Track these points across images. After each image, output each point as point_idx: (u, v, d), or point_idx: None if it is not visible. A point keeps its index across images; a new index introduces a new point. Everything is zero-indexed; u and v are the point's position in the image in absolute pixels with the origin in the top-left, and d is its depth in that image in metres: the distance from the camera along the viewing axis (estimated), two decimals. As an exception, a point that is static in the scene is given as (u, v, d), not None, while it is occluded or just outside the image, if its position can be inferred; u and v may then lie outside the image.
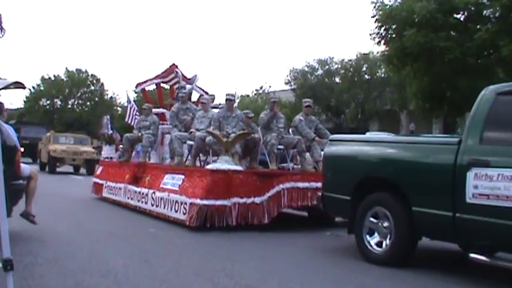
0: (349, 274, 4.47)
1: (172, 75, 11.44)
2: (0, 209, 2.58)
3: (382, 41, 18.94)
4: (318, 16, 77.33)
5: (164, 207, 7.33)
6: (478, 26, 16.24)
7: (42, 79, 48.10)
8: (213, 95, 10.87)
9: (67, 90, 48.37)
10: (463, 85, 16.27)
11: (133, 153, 10.47)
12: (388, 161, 5.03)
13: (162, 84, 12.56)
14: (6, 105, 6.44)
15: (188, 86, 10.76)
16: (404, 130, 30.43)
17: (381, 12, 18.03)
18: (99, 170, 11.13)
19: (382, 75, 32.32)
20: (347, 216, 5.48)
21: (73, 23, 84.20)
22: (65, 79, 48.49)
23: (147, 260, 4.73)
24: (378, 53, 29.86)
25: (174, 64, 11.77)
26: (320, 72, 35.64)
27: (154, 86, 13.01)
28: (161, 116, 10.77)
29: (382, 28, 18.40)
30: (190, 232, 6.55)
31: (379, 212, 4.93)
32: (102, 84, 49.81)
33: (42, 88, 47.84)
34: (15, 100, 73.08)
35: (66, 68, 49.04)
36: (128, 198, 8.76)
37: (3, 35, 2.98)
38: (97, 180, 10.65)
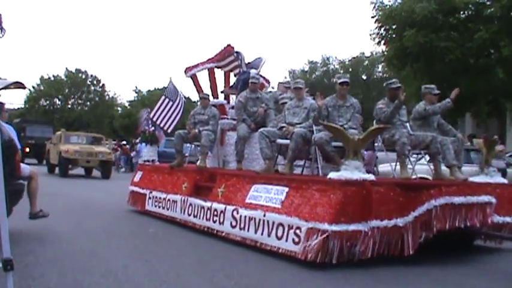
0: (349, 275, 4.46)
1: (231, 58, 9.40)
2: (0, 209, 2.58)
3: (382, 41, 18.96)
4: (317, 16, 77.33)
5: (256, 231, 5.38)
6: (478, 26, 16.23)
7: (42, 79, 48.14)
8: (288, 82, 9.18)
9: (67, 90, 48.39)
10: (464, 85, 16.28)
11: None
12: None
13: (215, 70, 10.00)
14: (6, 105, 6.45)
15: (253, 71, 8.84)
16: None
17: (380, 13, 18.04)
18: (138, 176, 8.98)
19: (381, 74, 32.40)
20: None
21: (73, 23, 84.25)
22: (65, 79, 48.52)
23: (147, 260, 4.73)
24: (375, 53, 29.90)
25: (229, 45, 9.64)
26: (319, 72, 35.73)
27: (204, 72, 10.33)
28: (220, 108, 8.88)
29: (382, 28, 18.42)
30: (190, 232, 6.55)
31: None
32: (103, 85, 49.83)
33: (42, 88, 47.86)
34: (15, 100, 73.09)
35: (66, 68, 49.12)
36: (189, 214, 6.76)
37: (3, 35, 2.98)
38: (136, 189, 8.65)
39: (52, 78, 48.41)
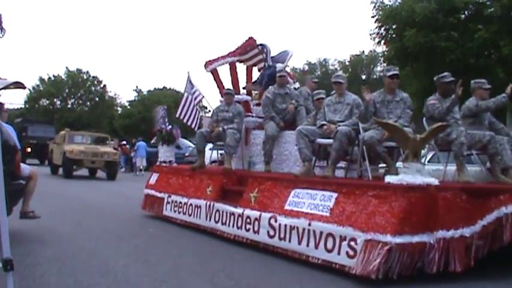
0: (346, 277, 4.46)
1: (255, 52, 8.71)
2: (1, 209, 2.58)
3: (383, 41, 18.96)
4: (318, 16, 77.34)
5: (299, 242, 4.79)
6: (479, 26, 16.23)
7: (41, 79, 48.16)
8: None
9: (67, 90, 48.42)
10: (464, 85, 16.26)
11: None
12: None
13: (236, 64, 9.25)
14: (6, 105, 6.45)
15: (279, 65, 8.23)
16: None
17: (381, 13, 18.04)
18: (153, 178, 8.35)
19: (381, 74, 32.51)
20: None
21: (73, 23, 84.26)
22: (65, 79, 48.55)
23: (147, 260, 4.73)
24: (373, 52, 29.96)
25: (251, 38, 8.93)
26: (318, 73, 35.83)
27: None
28: (244, 105, 8.12)
29: (382, 28, 18.41)
30: (190, 232, 6.55)
31: None
32: (104, 86, 49.84)
33: (41, 88, 47.89)
34: (15, 100, 73.10)
35: (67, 68, 49.13)
36: (217, 222, 6.14)
37: (3, 35, 2.98)
38: (152, 192, 8.02)
39: (52, 78, 48.44)
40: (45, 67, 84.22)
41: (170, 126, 8.94)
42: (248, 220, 5.55)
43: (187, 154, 22.80)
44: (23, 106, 47.62)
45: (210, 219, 6.29)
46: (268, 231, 5.22)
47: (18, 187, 5.33)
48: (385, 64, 22.28)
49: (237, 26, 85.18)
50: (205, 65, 8.96)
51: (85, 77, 49.37)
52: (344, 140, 5.58)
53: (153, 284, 3.90)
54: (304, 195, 5.06)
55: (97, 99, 49.50)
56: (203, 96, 9.07)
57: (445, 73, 6.03)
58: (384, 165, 5.96)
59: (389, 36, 18.52)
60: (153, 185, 8.15)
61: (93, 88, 49.63)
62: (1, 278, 2.62)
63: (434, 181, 4.39)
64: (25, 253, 4.70)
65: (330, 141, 5.75)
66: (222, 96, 8.24)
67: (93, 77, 49.49)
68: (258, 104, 8.16)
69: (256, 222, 5.41)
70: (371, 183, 4.94)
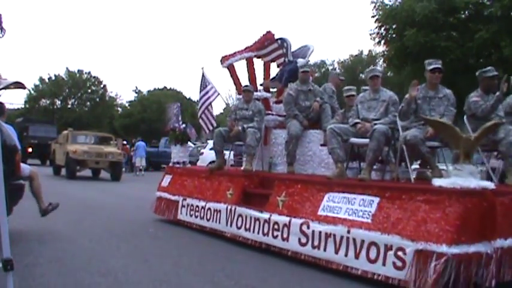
0: (346, 277, 4.46)
1: (274, 46, 8.14)
2: (0, 209, 2.58)
3: (383, 41, 18.97)
4: (317, 16, 77.36)
5: (337, 251, 4.41)
6: (479, 26, 16.24)
7: (41, 79, 48.18)
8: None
9: (67, 90, 48.46)
10: (464, 85, 16.28)
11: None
12: None
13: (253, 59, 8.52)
14: (6, 105, 6.45)
15: (300, 61, 7.76)
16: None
17: (381, 12, 18.06)
18: (166, 180, 7.90)
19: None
20: None
21: (74, 23, 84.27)
22: (65, 78, 48.58)
23: (147, 260, 4.73)
24: (373, 51, 29.98)
25: (269, 32, 8.45)
26: (318, 74, 35.85)
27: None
28: (263, 103, 7.64)
29: (383, 28, 18.43)
30: (190, 232, 6.55)
31: None
32: (105, 86, 49.87)
33: (41, 88, 47.92)
34: (15, 100, 73.13)
35: (67, 68, 49.16)
36: (239, 227, 5.73)
37: (3, 35, 2.98)
38: (165, 195, 7.57)
39: (53, 78, 48.47)
40: (46, 67, 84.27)
41: (184, 125, 8.42)
42: (276, 226, 5.14)
43: (187, 154, 22.80)
44: (23, 106, 47.66)
45: (231, 225, 5.87)
46: (299, 239, 4.81)
47: (18, 187, 5.33)
48: (385, 64, 22.30)
49: (236, 26, 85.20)
50: (221, 61, 8.48)
51: (85, 77, 49.39)
52: (382, 140, 5.14)
53: (153, 284, 3.90)
54: (340, 200, 4.66)
55: (97, 99, 49.51)
56: (218, 94, 8.47)
57: (488, 67, 5.64)
58: (415, 166, 5.65)
59: (389, 36, 18.54)
60: (166, 188, 7.66)
61: (93, 88, 49.65)
62: (1, 278, 2.62)
63: (490, 185, 4.00)
64: (25, 253, 4.70)
65: (365, 140, 5.31)
66: (238, 93, 7.94)
67: (94, 77, 49.52)
68: (278, 102, 7.84)
69: (286, 229, 5.00)
70: (419, 187, 4.38)
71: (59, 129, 26.05)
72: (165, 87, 48.38)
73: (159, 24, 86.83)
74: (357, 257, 4.23)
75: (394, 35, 18.26)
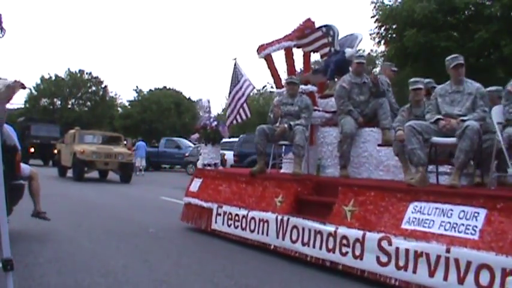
0: (346, 277, 4.46)
1: (317, 35, 7.21)
2: (0, 209, 2.58)
3: (382, 41, 18.97)
4: (318, 16, 77.27)
5: (432, 274, 3.71)
6: (479, 26, 16.24)
7: (42, 79, 48.18)
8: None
9: (67, 90, 48.44)
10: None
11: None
12: None
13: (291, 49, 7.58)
14: (7, 105, 6.44)
15: (349, 50, 6.89)
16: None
17: (380, 12, 18.06)
18: (195, 184, 7.05)
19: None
20: None
21: (74, 23, 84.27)
22: (66, 78, 48.56)
23: (147, 260, 4.73)
24: (374, 52, 30.00)
25: (309, 19, 7.63)
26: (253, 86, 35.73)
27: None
28: (309, 97, 6.74)
29: (382, 28, 18.43)
30: (190, 232, 6.55)
31: None
32: (105, 86, 49.85)
33: (42, 87, 47.90)
34: (15, 100, 73.11)
35: (69, 69, 49.14)
36: (294, 241, 4.96)
37: (3, 35, 2.98)
38: (195, 201, 6.76)
39: (53, 78, 48.44)
40: (47, 67, 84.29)
41: (216, 122, 7.51)
42: (345, 241, 4.40)
43: (187, 154, 22.81)
44: (23, 106, 47.62)
45: (283, 238, 5.09)
46: (378, 257, 4.09)
47: (18, 187, 5.34)
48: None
49: (236, 26, 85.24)
50: (257, 50, 7.68)
51: (86, 78, 49.35)
52: (475, 139, 4.39)
53: (153, 284, 3.91)
54: (431, 211, 3.95)
55: (97, 99, 49.47)
56: (254, 87, 7.80)
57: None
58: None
59: (389, 36, 18.54)
60: (196, 193, 6.84)
61: (94, 88, 49.62)
62: (1, 278, 2.62)
63: None
64: (25, 253, 4.70)
65: (451, 140, 4.57)
66: (276, 86, 7.43)
67: (95, 77, 49.51)
68: (323, 97, 7.10)
69: (358, 245, 4.26)
70: None
71: (61, 129, 25.79)
72: (164, 87, 48.37)
73: (159, 23, 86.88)
74: (461, 281, 3.51)
75: (394, 35, 18.26)
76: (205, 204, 6.51)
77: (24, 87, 4.10)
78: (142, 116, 44.00)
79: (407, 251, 3.87)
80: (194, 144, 20.74)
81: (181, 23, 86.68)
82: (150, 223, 7.21)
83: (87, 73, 49.20)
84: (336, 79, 6.86)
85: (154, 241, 5.88)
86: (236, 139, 17.56)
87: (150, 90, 48.31)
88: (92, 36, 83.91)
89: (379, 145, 5.88)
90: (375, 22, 18.45)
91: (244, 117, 7.70)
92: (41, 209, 5.81)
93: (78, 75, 48.72)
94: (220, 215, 6.16)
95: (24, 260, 4.41)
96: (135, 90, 49.03)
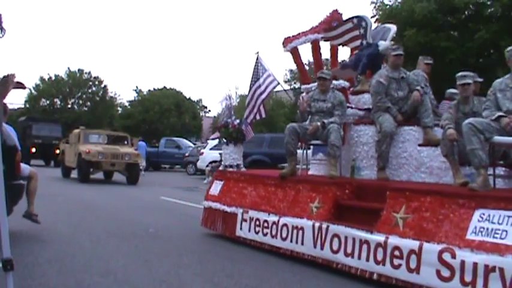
0: (346, 277, 4.46)
1: (348, 27, 6.69)
2: (0, 209, 2.58)
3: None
4: (318, 16, 77.29)
5: None
6: (479, 26, 16.25)
7: (41, 79, 48.19)
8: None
9: (67, 90, 48.44)
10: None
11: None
12: None
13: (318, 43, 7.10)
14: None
15: (383, 43, 6.37)
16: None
17: (380, 12, 18.06)
18: (216, 187, 6.59)
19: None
20: None
21: (74, 23, 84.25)
22: (66, 78, 48.56)
23: (147, 260, 4.73)
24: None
25: (336, 11, 7.19)
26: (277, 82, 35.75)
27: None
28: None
29: (383, 28, 18.45)
30: (190, 232, 6.55)
31: None
32: (105, 86, 49.87)
33: (41, 87, 47.90)
34: (15, 100, 73.12)
35: (68, 68, 49.14)
36: (335, 251, 4.50)
37: (3, 35, 2.97)
38: (216, 205, 6.30)
39: (53, 78, 48.44)
40: (47, 67, 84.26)
41: (238, 121, 7.05)
42: (397, 252, 3.94)
43: (187, 154, 22.82)
44: (23, 106, 47.61)
45: (322, 247, 4.62)
46: (438, 271, 3.65)
47: (18, 187, 5.34)
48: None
49: (235, 26, 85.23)
50: (283, 43, 7.30)
51: (86, 77, 49.34)
52: None
53: (153, 284, 3.91)
54: (503, 220, 3.48)
55: (97, 99, 49.46)
56: (278, 83, 7.37)
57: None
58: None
59: (389, 36, 18.55)
60: (218, 197, 6.38)
61: (94, 88, 49.62)
62: (1, 278, 2.62)
63: None
64: (25, 253, 4.70)
65: None
66: (303, 82, 7.00)
67: (95, 77, 49.52)
68: (354, 93, 6.60)
69: (414, 257, 3.81)
70: None
71: (62, 129, 25.52)
72: (164, 87, 48.38)
73: (160, 23, 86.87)
74: None
75: (394, 35, 18.29)
76: (228, 209, 6.06)
77: (24, 87, 4.10)
78: (143, 116, 44.05)
79: (475, 265, 3.43)
80: (197, 144, 20.48)
81: (182, 23, 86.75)
82: (150, 223, 7.21)
83: (86, 73, 49.21)
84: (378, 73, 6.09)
85: (154, 241, 5.87)
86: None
87: (149, 90, 48.32)
88: (92, 36, 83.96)
89: (419, 145, 5.40)
90: (375, 22, 18.44)
91: (258, 117, 7.27)
92: (34, 211, 5.74)
93: (78, 74, 48.70)
94: (246, 220, 5.70)
95: (24, 260, 4.41)
96: (135, 90, 49.07)
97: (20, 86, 4.48)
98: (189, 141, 30.33)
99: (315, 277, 4.36)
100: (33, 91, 47.14)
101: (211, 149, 19.62)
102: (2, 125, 4.95)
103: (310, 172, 6.32)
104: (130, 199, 10.78)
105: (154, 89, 48.28)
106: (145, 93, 48.15)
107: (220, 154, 17.97)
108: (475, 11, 16.93)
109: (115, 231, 6.42)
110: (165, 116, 43.73)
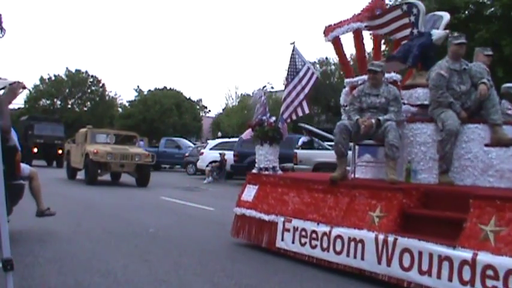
0: (347, 277, 4.46)
1: (396, 14, 5.98)
2: (0, 209, 2.58)
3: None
4: (318, 16, 77.31)
5: None
6: (479, 26, 16.26)
7: (41, 79, 48.21)
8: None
9: (67, 90, 48.47)
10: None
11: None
12: None
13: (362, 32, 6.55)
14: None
15: (437, 32, 5.78)
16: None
17: (381, 12, 18.08)
18: (249, 192, 5.91)
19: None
20: None
21: (74, 23, 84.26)
22: (66, 78, 48.59)
23: (147, 260, 4.73)
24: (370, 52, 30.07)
25: None
26: (318, 74, 35.83)
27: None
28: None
29: (383, 28, 18.45)
30: (190, 232, 6.55)
31: None
32: (103, 85, 49.91)
33: (42, 88, 47.93)
34: (15, 100, 73.00)
35: (67, 68, 49.18)
36: (406, 269, 3.88)
37: (3, 35, 2.98)
38: (250, 212, 5.66)
39: (53, 78, 48.46)
40: (46, 67, 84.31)
41: (274, 118, 6.37)
42: (490, 272, 3.34)
43: (187, 154, 22.81)
44: (22, 106, 47.62)
45: (388, 263, 4.01)
46: None
47: (18, 187, 5.34)
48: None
49: (235, 26, 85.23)
50: (324, 32, 6.64)
51: (85, 77, 49.37)
52: None
53: (153, 284, 3.91)
54: None
55: (97, 99, 49.49)
56: (318, 77, 6.67)
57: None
58: None
59: (389, 36, 18.55)
60: (252, 203, 5.71)
61: (93, 88, 49.64)
62: (1, 278, 2.62)
63: None
64: (25, 253, 4.71)
65: None
66: (346, 75, 6.48)
67: (93, 76, 49.54)
68: (405, 87, 5.94)
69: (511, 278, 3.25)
70: None
71: (65, 129, 25.31)
72: (165, 87, 48.41)
73: (160, 23, 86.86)
74: None
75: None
76: (266, 217, 5.39)
77: (24, 88, 4.10)
78: (144, 115, 44.09)
79: None
80: (197, 144, 20.25)
81: (182, 23, 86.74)
82: (150, 223, 7.21)
83: (83, 72, 49.24)
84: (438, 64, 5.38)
85: (154, 241, 5.87)
86: (236, 139, 17.55)
87: (150, 90, 48.35)
88: (92, 37, 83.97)
89: (486, 145, 4.75)
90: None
91: (300, 113, 6.57)
92: (44, 207, 5.83)
93: (77, 75, 48.73)
94: (288, 230, 5.04)
95: (24, 260, 4.41)
96: (136, 90, 49.12)
97: (22, 86, 4.51)
98: (189, 141, 30.34)
99: (315, 277, 4.35)
100: (32, 91, 47.15)
101: (211, 149, 19.63)
102: (10, 127, 4.93)
103: (356, 175, 5.59)
104: (130, 199, 10.78)
105: (155, 88, 48.34)
106: (145, 93, 48.20)
107: (220, 154, 18.08)
108: (475, 10, 16.95)
109: (115, 231, 6.43)
110: (165, 116, 43.75)
